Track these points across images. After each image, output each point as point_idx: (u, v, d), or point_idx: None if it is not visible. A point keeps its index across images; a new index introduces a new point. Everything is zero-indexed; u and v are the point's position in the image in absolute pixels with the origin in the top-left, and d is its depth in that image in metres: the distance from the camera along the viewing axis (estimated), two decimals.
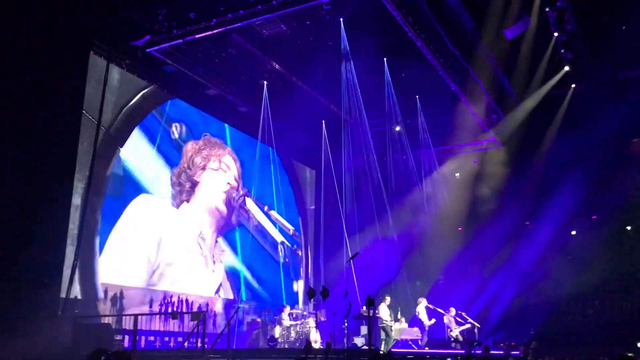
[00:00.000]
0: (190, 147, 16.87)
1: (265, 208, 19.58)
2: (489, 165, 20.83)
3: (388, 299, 16.15)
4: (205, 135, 17.57)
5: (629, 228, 21.58)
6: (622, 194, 20.14)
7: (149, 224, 15.01)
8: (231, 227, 18.13)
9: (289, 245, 20.69)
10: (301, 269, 21.27)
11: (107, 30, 14.05)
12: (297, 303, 20.11)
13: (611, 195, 20.15)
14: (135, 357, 4.09)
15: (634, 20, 16.95)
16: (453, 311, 16.92)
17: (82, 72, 13.44)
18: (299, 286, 20.72)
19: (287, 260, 20.36)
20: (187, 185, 16.51)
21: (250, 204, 18.79)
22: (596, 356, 13.89)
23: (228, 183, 18.07)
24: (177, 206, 16.09)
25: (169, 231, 15.59)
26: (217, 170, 17.70)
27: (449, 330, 16.69)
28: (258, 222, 19.11)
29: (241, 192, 18.50)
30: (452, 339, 16.44)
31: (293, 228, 20.93)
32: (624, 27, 17.45)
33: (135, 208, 14.72)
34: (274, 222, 19.90)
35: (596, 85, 19.12)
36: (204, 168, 17.18)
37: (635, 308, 19.88)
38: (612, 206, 20.45)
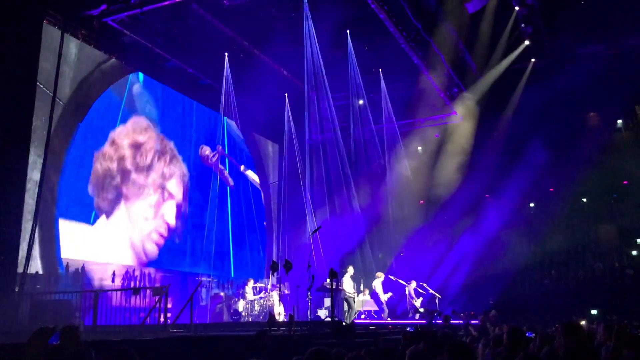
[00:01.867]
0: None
1: (242, 167, 19.48)
2: (451, 139, 21.04)
3: (351, 269, 16.27)
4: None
5: (584, 200, 22.23)
6: (578, 167, 20.65)
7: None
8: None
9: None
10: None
11: None
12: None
13: (568, 168, 20.65)
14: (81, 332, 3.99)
15: None
16: (414, 283, 17.20)
17: (35, 42, 12.86)
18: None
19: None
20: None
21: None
22: (552, 324, 14.32)
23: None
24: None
25: (130, 203, 15.35)
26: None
27: (411, 299, 16.95)
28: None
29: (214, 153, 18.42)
30: (414, 310, 16.73)
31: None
32: (582, 2, 17.72)
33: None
34: (251, 183, 19.87)
35: (554, 60, 19.43)
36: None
37: (589, 277, 20.56)
38: (569, 179, 20.99)
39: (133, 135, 15.84)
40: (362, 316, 16.54)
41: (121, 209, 15.15)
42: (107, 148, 14.96)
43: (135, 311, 12.67)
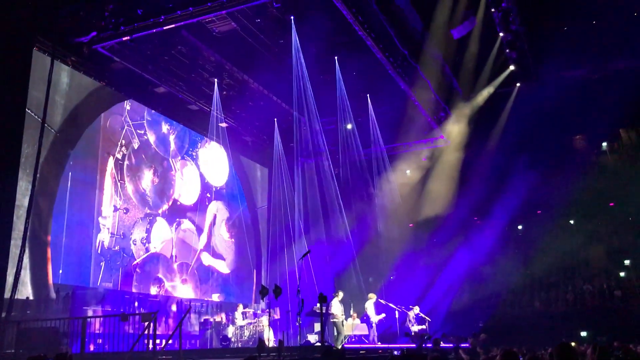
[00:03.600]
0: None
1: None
2: (439, 162, 21.23)
3: (341, 294, 16.23)
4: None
5: (571, 222, 22.41)
6: (565, 189, 20.88)
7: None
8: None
9: None
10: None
11: (51, 25, 13.58)
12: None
13: (555, 190, 20.88)
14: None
15: (575, 22, 17.62)
16: (417, 309, 17.02)
17: (25, 68, 12.95)
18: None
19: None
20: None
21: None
22: (542, 346, 14.33)
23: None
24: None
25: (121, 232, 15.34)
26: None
27: (410, 324, 16.76)
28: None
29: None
30: (404, 333, 16.59)
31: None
32: (565, 29, 18.09)
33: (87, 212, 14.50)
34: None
35: (540, 84, 19.74)
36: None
37: (578, 299, 20.64)
38: (556, 201, 21.20)
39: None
40: (353, 339, 16.45)
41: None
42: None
43: (124, 337, 12.56)
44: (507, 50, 18.18)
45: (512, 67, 19.13)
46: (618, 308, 19.43)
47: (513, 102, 20.40)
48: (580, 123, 20.33)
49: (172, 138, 18.25)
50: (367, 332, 16.45)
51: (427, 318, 16.95)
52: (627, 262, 21.05)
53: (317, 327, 16.96)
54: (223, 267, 19.64)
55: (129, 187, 16.20)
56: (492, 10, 16.36)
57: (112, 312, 13.98)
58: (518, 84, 20.15)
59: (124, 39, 14.13)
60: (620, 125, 21.41)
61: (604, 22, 17.52)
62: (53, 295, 13.19)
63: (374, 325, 16.37)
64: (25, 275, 12.46)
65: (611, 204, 21.52)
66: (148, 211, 16.73)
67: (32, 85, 13.07)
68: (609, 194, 21.10)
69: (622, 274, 20.89)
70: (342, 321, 15.48)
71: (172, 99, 17.52)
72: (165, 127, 18.03)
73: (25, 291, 12.47)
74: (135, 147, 16.63)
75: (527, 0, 16.38)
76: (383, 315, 16.54)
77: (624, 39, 17.77)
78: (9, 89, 12.40)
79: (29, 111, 12.99)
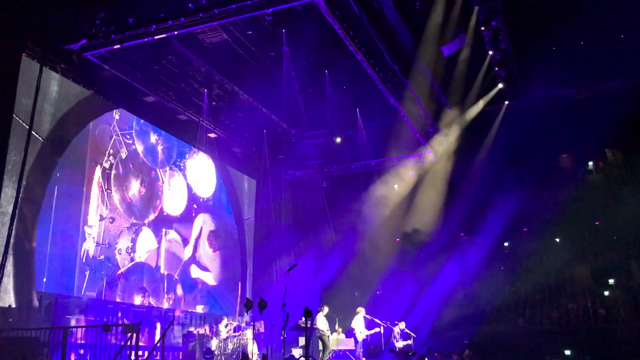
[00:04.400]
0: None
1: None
2: (426, 178, 21.29)
3: (326, 309, 16.13)
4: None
5: (557, 240, 22.51)
6: (551, 207, 20.99)
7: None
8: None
9: None
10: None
11: (41, 32, 13.50)
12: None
13: (541, 208, 20.99)
14: None
15: (564, 42, 17.84)
16: (402, 324, 16.96)
17: (13, 74, 12.86)
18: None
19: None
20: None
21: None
22: None
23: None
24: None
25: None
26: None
27: (395, 341, 16.70)
28: None
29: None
30: (389, 349, 16.53)
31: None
32: (554, 48, 18.30)
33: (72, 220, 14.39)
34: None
35: (528, 103, 19.90)
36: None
37: (563, 317, 20.67)
38: (542, 219, 21.30)
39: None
40: (340, 353, 16.37)
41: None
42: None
43: (106, 348, 12.41)
44: (496, 69, 18.33)
45: (500, 85, 19.27)
46: (602, 327, 19.48)
47: (501, 120, 20.52)
48: (567, 142, 20.49)
49: (160, 148, 18.16)
50: (353, 347, 16.36)
51: (412, 334, 16.90)
52: (611, 281, 21.14)
53: (302, 341, 16.87)
54: (210, 279, 19.50)
55: (116, 197, 16.08)
56: (482, 28, 16.49)
57: (95, 321, 13.83)
58: (506, 102, 20.29)
59: (115, 47, 14.07)
60: (606, 145, 21.60)
61: (592, 43, 17.73)
62: (36, 303, 13.03)
63: (359, 340, 16.28)
64: (9, 283, 12.36)
65: (597, 223, 21.65)
66: (134, 221, 16.60)
67: (21, 93, 12.98)
68: (595, 212, 21.24)
69: (606, 293, 20.97)
70: (328, 336, 15.40)
71: (161, 109, 17.41)
72: (153, 138, 17.94)
73: (8, 299, 12.35)
74: (123, 157, 16.53)
75: (516, 20, 16.54)
76: (376, 329, 16.41)
77: (611, 60, 18.00)
78: None
79: (17, 118, 12.90)
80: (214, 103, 18.21)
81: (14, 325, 12.21)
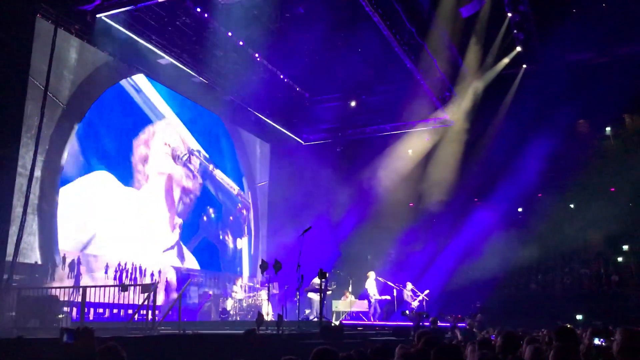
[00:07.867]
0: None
1: (210, 167, 19.38)
2: (441, 143, 21.15)
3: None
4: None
5: (572, 206, 22.43)
6: (567, 173, 20.82)
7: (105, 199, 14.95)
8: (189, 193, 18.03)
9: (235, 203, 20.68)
10: (245, 226, 21.09)
11: None
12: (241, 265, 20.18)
13: (557, 174, 20.83)
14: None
15: (584, 5, 17.39)
16: (410, 285, 17.14)
17: (28, 36, 12.85)
18: (243, 244, 20.61)
19: (231, 218, 20.27)
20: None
21: (195, 161, 18.63)
22: (538, 328, 14.44)
23: (166, 144, 17.68)
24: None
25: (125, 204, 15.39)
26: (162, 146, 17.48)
27: (411, 300, 16.88)
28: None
29: (185, 151, 18.24)
30: (402, 311, 16.72)
31: (238, 188, 20.78)
32: (574, 10, 17.87)
33: (91, 183, 14.64)
34: (218, 182, 19.73)
35: (546, 67, 19.55)
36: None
37: (575, 282, 20.75)
38: (557, 184, 21.17)
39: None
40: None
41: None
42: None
43: (123, 307, 12.67)
44: (515, 32, 17.96)
45: (518, 49, 18.90)
46: (614, 293, 19.55)
47: (518, 85, 20.20)
48: (584, 107, 20.16)
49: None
50: (366, 309, 16.58)
51: (419, 293, 17.00)
52: (625, 247, 21.12)
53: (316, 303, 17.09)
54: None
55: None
56: None
57: (114, 280, 14.22)
58: (524, 66, 19.93)
59: (128, 7, 13.98)
60: (624, 110, 21.25)
61: (613, 5, 17.29)
62: (60, 261, 13.41)
63: (372, 301, 16.51)
64: (35, 242, 12.82)
65: (612, 189, 21.49)
66: None
67: (39, 58, 13.00)
68: (611, 179, 21.06)
69: (620, 259, 20.98)
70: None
71: (175, 71, 17.32)
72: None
73: (34, 256, 12.80)
74: None
75: None
76: (387, 297, 16.66)
77: (630, 23, 17.55)
78: (12, 55, 12.34)
79: (37, 82, 12.96)
80: (229, 66, 18.05)
81: (39, 280, 12.59)
